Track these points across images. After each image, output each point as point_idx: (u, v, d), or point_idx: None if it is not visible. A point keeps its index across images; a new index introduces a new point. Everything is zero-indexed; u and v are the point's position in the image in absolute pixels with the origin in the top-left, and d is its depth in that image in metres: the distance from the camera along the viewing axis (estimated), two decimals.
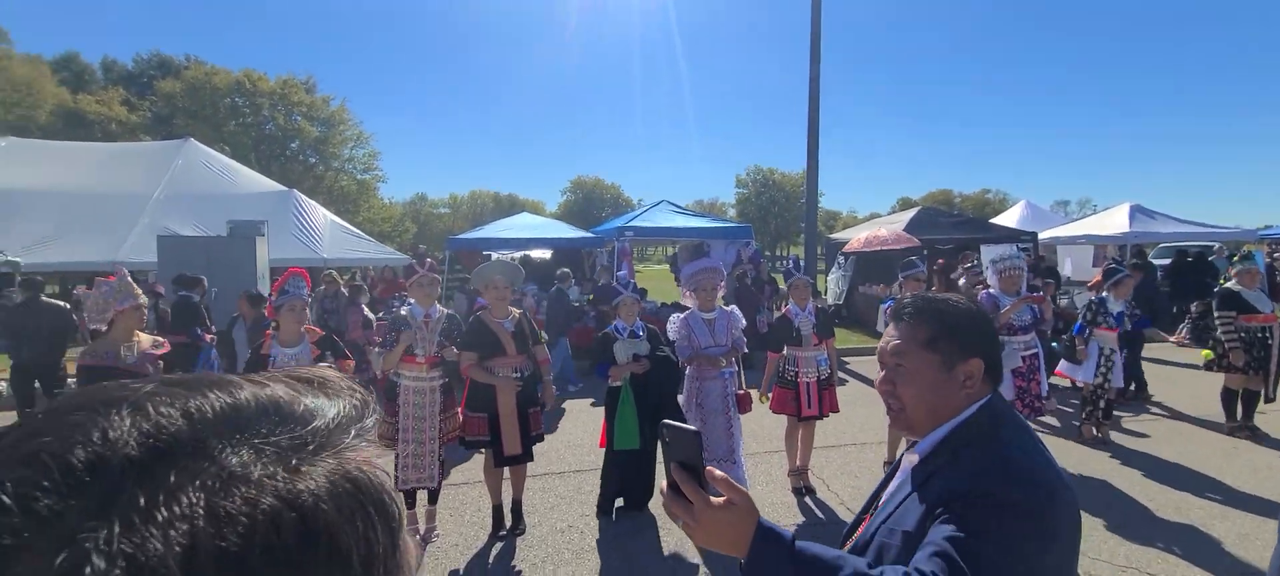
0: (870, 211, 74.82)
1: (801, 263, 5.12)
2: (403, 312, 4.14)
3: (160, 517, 0.27)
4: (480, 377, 4.02)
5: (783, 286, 5.90)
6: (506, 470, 4.19)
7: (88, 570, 0.25)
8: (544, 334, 4.56)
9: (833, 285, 13.21)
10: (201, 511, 0.27)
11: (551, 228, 11.72)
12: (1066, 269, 17.40)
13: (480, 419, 4.04)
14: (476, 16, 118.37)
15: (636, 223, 10.62)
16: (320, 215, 22.06)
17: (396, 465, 4.00)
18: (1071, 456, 5.39)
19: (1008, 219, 19.93)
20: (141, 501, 0.27)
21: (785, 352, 4.84)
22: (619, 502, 4.47)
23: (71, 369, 5.90)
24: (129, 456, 0.29)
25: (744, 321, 4.70)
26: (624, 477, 4.43)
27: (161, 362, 3.63)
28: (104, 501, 0.27)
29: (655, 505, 4.47)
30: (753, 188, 62.25)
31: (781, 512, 4.48)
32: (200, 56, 39.27)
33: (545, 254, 12.24)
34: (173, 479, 0.28)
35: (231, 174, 23.34)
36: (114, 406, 0.31)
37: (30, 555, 0.26)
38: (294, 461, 0.31)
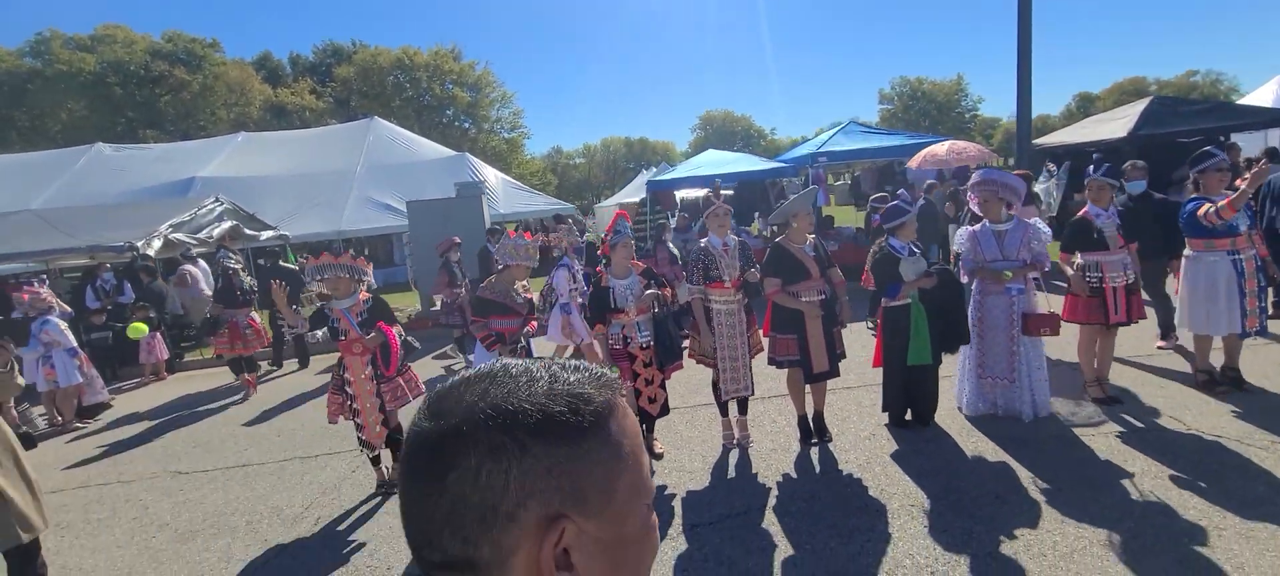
0: (1039, 114, 66.20)
1: (1103, 161, 4.78)
2: (702, 243, 4.55)
3: None
4: (786, 303, 4.33)
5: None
6: (809, 385, 4.53)
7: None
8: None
9: (1043, 196, 12.10)
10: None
11: (742, 161, 11.78)
12: None
13: (789, 339, 4.36)
14: None
15: (828, 148, 10.39)
16: (491, 174, 23.86)
17: (717, 378, 4.47)
18: None
19: (1261, 98, 16.77)
20: None
21: (1082, 259, 4.63)
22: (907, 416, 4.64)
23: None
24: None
25: (1048, 235, 4.54)
26: (910, 392, 4.58)
27: (532, 301, 4.35)
28: None
29: (939, 417, 4.61)
30: (899, 101, 57.46)
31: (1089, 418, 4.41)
32: (364, 40, 43.19)
33: (728, 189, 12.39)
34: None
35: (412, 144, 25.81)
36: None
37: None
38: None
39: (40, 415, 6.87)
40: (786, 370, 4.51)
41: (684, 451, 4.59)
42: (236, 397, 7.31)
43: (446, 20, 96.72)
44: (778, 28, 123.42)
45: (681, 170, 11.64)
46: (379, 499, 4.24)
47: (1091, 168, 4.68)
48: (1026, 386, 4.49)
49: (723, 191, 12.67)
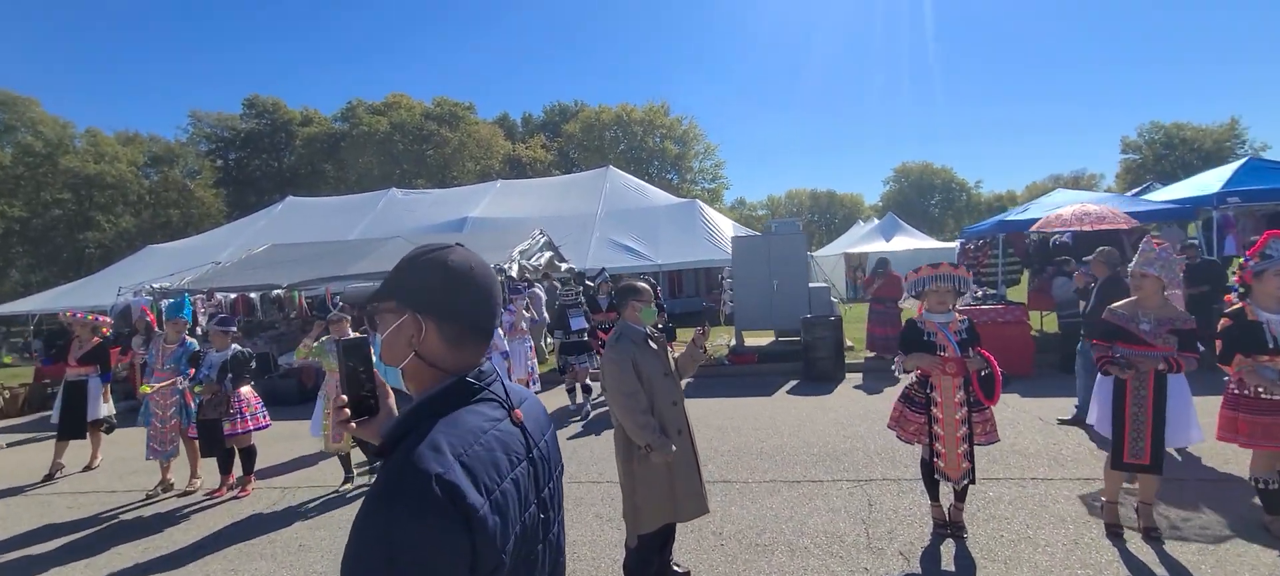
0: None
1: None
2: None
3: None
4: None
5: None
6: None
7: None
8: None
9: None
10: None
11: (1105, 201, 10.25)
12: None
13: None
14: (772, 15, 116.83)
15: (1240, 187, 8.69)
16: (719, 219, 24.27)
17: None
18: None
19: None
20: None
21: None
22: None
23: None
24: None
25: None
26: None
27: (1175, 338, 3.64)
28: None
29: None
30: (1149, 150, 49.63)
31: None
32: (584, 100, 47.27)
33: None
34: None
35: (644, 192, 27.18)
36: None
37: None
38: None
39: None
40: None
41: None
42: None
43: (652, 75, 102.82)
44: (984, 77, 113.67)
45: (1034, 210, 10.42)
46: (949, 537, 3.83)
47: None
48: None
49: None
